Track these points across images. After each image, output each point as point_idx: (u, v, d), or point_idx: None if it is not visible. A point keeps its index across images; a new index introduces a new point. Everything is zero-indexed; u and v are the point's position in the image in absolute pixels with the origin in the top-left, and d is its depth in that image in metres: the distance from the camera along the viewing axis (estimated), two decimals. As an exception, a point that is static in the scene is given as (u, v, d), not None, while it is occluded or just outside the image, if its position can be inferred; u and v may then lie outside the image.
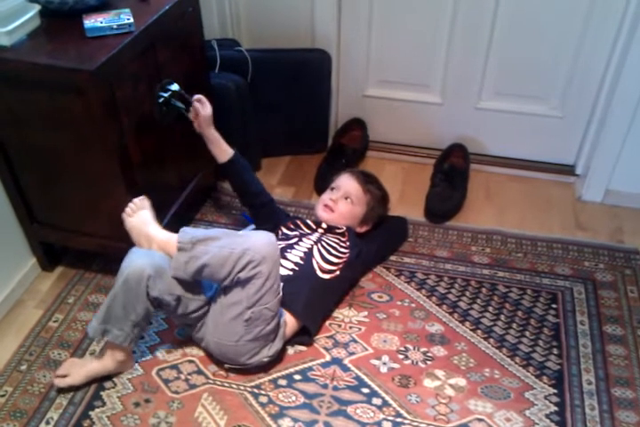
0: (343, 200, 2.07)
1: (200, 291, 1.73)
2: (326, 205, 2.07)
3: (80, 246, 2.06)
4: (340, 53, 2.51)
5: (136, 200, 1.77)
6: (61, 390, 1.73)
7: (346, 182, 2.10)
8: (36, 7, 1.71)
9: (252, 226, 2.16)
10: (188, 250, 1.63)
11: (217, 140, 2.02)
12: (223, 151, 2.04)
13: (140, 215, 1.75)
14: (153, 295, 1.65)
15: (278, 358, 1.80)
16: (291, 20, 2.43)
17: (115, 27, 1.68)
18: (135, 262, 1.64)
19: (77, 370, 1.74)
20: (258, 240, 1.62)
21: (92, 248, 2.02)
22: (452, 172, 2.43)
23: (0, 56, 1.61)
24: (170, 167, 2.03)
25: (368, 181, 2.13)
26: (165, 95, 1.87)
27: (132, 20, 1.70)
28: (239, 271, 1.59)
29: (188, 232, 1.67)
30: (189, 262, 1.62)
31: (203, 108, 1.95)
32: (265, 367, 1.78)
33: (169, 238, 1.68)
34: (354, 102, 2.63)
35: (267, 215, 2.11)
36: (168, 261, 1.66)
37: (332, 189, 2.11)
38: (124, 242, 1.75)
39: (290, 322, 1.78)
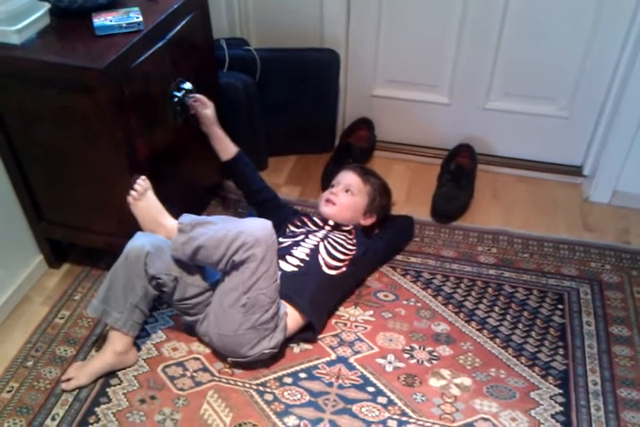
0: (344, 193, 2.09)
1: (199, 276, 1.75)
2: (328, 200, 2.09)
3: (87, 244, 2.07)
4: (348, 53, 2.51)
5: (140, 182, 1.77)
6: (68, 388, 1.76)
7: (345, 176, 2.13)
8: (46, 6, 1.72)
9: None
10: (187, 231, 1.67)
11: (221, 138, 2.05)
12: (227, 149, 2.07)
13: (147, 199, 1.77)
14: (151, 273, 1.68)
15: (282, 354, 1.80)
16: (299, 19, 2.43)
17: (124, 25, 1.69)
18: (136, 241, 1.71)
19: (81, 371, 1.75)
20: (252, 224, 1.67)
21: (99, 245, 2.03)
22: (458, 172, 2.43)
23: (10, 54, 1.62)
24: (177, 165, 2.04)
25: (366, 172, 2.16)
26: (179, 95, 1.88)
27: (141, 19, 1.71)
28: (233, 254, 1.61)
29: (189, 216, 1.72)
30: (187, 243, 1.66)
31: (203, 107, 1.98)
32: (269, 364, 1.78)
33: (174, 226, 1.72)
34: (361, 102, 2.63)
35: (271, 211, 2.11)
36: (168, 243, 1.71)
37: (333, 185, 2.14)
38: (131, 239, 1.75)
39: (293, 316, 1.78)
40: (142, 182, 1.77)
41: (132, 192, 1.76)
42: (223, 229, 1.64)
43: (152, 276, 1.69)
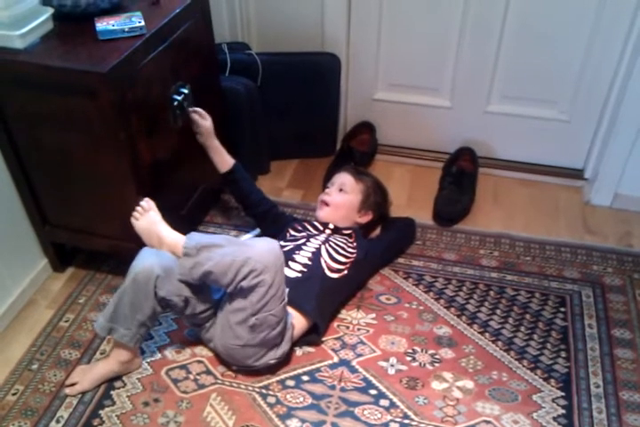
0: (337, 192, 2.12)
1: (208, 293, 1.74)
2: (322, 201, 2.12)
3: (91, 247, 2.08)
4: (349, 57, 2.52)
5: (143, 203, 1.76)
6: (72, 391, 1.76)
7: (338, 177, 2.17)
8: (49, 10, 1.73)
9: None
10: (192, 255, 1.63)
11: (219, 150, 2.06)
12: (225, 161, 2.08)
13: (147, 217, 1.75)
14: (160, 295, 1.66)
15: (286, 359, 1.80)
16: (301, 23, 2.44)
17: (126, 29, 1.70)
18: (145, 262, 1.66)
19: (85, 376, 1.76)
20: (260, 249, 1.62)
21: (103, 249, 2.04)
22: (460, 175, 2.43)
23: (14, 59, 1.63)
24: (180, 169, 2.04)
25: (360, 172, 2.19)
26: (179, 98, 1.88)
27: (143, 23, 1.71)
28: (241, 280, 1.59)
29: (194, 237, 1.67)
30: (194, 268, 1.63)
31: (203, 119, 1.99)
32: (273, 369, 1.79)
33: (177, 241, 1.67)
34: (363, 106, 2.64)
35: (271, 221, 2.13)
36: (177, 263, 1.67)
37: (328, 187, 2.17)
38: (135, 243, 1.76)
39: (298, 324, 1.79)
40: (144, 204, 1.76)
41: (134, 213, 1.75)
42: (230, 255, 1.60)
43: (162, 298, 1.67)
